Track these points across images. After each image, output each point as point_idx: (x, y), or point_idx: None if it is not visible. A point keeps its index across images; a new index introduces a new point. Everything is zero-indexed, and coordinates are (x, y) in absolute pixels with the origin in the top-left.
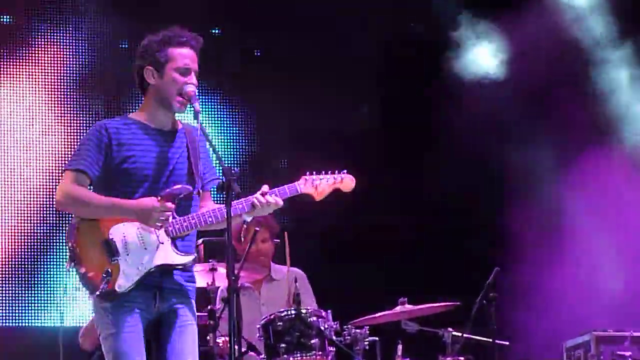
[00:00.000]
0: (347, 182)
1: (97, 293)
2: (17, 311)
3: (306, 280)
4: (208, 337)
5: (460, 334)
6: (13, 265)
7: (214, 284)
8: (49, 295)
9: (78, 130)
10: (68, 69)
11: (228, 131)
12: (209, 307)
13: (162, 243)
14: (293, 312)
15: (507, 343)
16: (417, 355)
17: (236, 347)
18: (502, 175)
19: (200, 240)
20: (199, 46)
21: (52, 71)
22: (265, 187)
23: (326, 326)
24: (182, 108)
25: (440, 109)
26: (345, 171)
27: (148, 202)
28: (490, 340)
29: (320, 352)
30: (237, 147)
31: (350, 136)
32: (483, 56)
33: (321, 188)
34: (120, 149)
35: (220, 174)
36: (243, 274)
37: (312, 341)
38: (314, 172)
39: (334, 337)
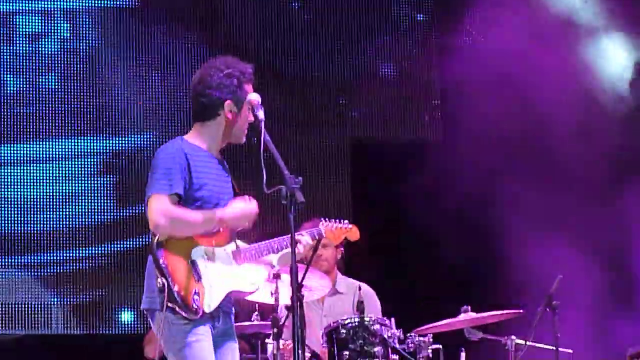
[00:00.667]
0: (354, 232)
1: (192, 311)
2: None
3: (374, 295)
4: (272, 345)
5: (523, 342)
6: None
7: (277, 293)
8: None
9: None
10: None
11: None
12: (272, 314)
13: (233, 268)
14: (356, 320)
15: (570, 351)
16: None
17: (300, 352)
18: None
19: None
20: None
21: None
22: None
23: (389, 334)
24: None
25: None
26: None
27: (242, 210)
28: (553, 347)
29: None
30: None
31: None
32: None
33: (336, 234)
34: (198, 175)
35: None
36: (307, 292)
37: (376, 349)
38: (322, 219)
39: (397, 345)
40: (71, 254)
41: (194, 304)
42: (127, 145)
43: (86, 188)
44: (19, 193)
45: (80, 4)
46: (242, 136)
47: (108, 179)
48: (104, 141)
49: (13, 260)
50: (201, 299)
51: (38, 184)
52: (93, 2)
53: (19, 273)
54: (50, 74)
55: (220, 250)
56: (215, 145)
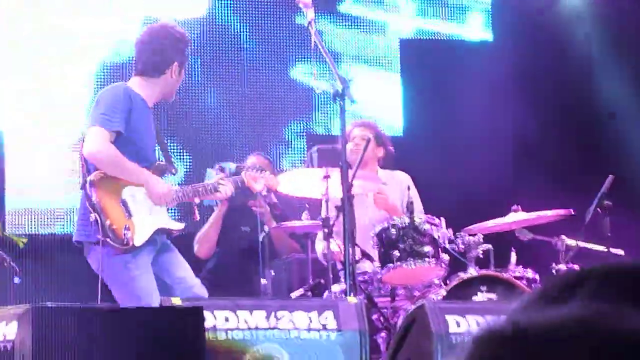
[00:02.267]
0: (273, 180)
1: (124, 244)
2: None
3: (412, 184)
4: (322, 245)
5: (573, 243)
6: None
7: (327, 193)
8: None
9: None
10: None
11: None
12: (322, 214)
13: (161, 208)
14: (406, 220)
15: (622, 252)
16: (530, 263)
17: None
18: None
19: (315, 148)
20: None
21: None
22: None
23: (439, 234)
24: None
25: None
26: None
27: (164, 188)
28: (604, 249)
29: (433, 260)
30: None
31: None
32: None
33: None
34: (135, 121)
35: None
36: (357, 183)
37: (426, 249)
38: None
39: (447, 245)
40: None
41: (125, 238)
42: None
43: None
44: None
45: None
46: (173, 96)
47: None
48: None
49: None
50: (132, 233)
51: None
52: None
53: None
54: None
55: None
56: (153, 98)
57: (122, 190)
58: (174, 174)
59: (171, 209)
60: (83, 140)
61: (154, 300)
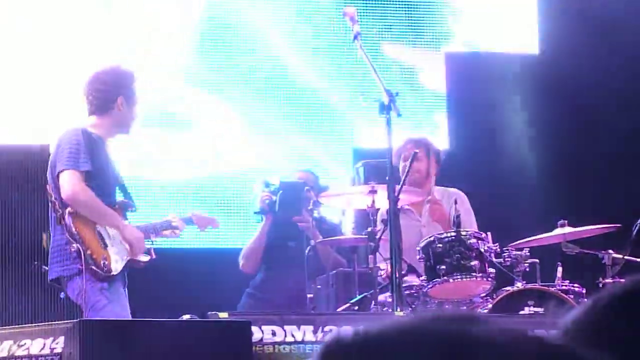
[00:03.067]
0: (215, 223)
1: (104, 272)
2: None
3: (467, 201)
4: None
5: (620, 256)
6: None
7: (373, 206)
8: None
9: None
10: None
11: None
12: (368, 228)
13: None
14: (453, 234)
15: None
16: (577, 277)
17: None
18: None
19: (360, 163)
20: None
21: None
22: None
23: (486, 248)
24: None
25: None
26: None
27: (139, 236)
28: None
29: (480, 274)
30: None
31: None
32: None
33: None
34: (97, 159)
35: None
36: (402, 197)
37: (472, 263)
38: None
39: (494, 259)
40: None
41: (104, 267)
42: None
43: None
44: None
45: None
46: (130, 129)
47: None
48: None
49: None
50: (109, 263)
51: None
52: None
53: None
54: None
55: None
56: (111, 134)
57: (95, 224)
58: (134, 211)
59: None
60: (53, 182)
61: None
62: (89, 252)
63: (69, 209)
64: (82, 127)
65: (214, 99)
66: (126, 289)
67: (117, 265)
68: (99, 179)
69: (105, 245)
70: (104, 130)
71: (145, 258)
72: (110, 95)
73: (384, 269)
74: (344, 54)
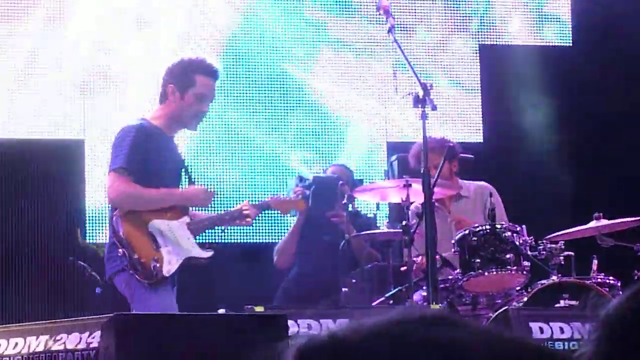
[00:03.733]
0: (300, 204)
1: (153, 277)
2: None
3: (496, 194)
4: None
5: None
6: None
7: (407, 200)
8: None
9: None
10: None
11: None
12: (403, 222)
13: (189, 238)
14: (488, 227)
15: None
16: (612, 270)
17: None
18: None
19: (394, 157)
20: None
21: None
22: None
23: (521, 241)
24: (196, 128)
25: None
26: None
27: (198, 190)
28: None
29: (515, 267)
30: None
31: None
32: None
33: (284, 207)
34: (154, 152)
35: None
36: (436, 190)
37: (507, 256)
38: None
39: (528, 252)
40: None
41: (154, 270)
42: None
43: None
44: None
45: None
46: (188, 123)
47: None
48: None
49: None
50: (160, 265)
51: None
52: None
53: None
54: None
55: (174, 223)
56: (170, 127)
57: (148, 223)
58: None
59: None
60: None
61: None
62: (136, 256)
63: (117, 210)
64: (140, 119)
65: (241, 94)
66: (175, 289)
67: (170, 267)
68: (153, 173)
69: (158, 246)
70: (162, 121)
71: (207, 254)
72: (164, 83)
73: (417, 263)
74: (379, 47)
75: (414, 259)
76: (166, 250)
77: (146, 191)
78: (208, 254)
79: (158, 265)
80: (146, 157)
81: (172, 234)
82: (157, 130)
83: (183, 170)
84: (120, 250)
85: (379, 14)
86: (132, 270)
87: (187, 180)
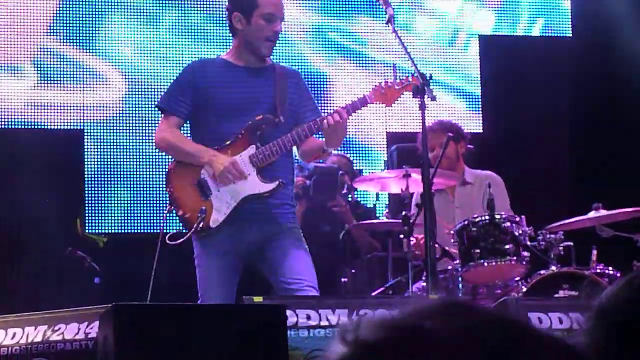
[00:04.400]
0: (412, 84)
1: (194, 229)
2: None
3: (502, 184)
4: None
5: None
6: None
7: (407, 190)
8: None
9: None
10: None
11: None
12: (403, 212)
13: (249, 174)
14: (487, 217)
15: None
16: (611, 261)
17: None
18: None
19: (393, 147)
20: None
21: None
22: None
23: (520, 232)
24: (269, 54)
25: None
26: (412, 74)
27: (221, 161)
28: None
29: (514, 258)
30: None
31: None
32: None
33: (390, 95)
34: (205, 87)
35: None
36: (436, 180)
37: (507, 246)
38: (384, 81)
39: (528, 243)
40: None
41: (200, 223)
42: None
43: None
44: None
45: None
46: (259, 47)
47: None
48: None
49: None
50: (208, 215)
51: None
52: None
53: None
54: None
55: (242, 156)
56: (242, 56)
57: (200, 170)
58: (277, 125)
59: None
60: None
61: (212, 288)
62: (180, 212)
63: (170, 163)
64: (200, 59)
65: None
66: (276, 246)
67: (217, 215)
68: (207, 108)
69: (207, 195)
70: (232, 53)
71: (267, 187)
72: (228, 15)
73: (414, 242)
74: (379, 36)
75: (415, 236)
76: (217, 196)
77: (179, 142)
78: (269, 186)
79: (205, 215)
80: (195, 92)
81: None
82: (221, 64)
83: (263, 104)
84: (169, 207)
85: (378, 4)
86: (184, 226)
87: (270, 115)
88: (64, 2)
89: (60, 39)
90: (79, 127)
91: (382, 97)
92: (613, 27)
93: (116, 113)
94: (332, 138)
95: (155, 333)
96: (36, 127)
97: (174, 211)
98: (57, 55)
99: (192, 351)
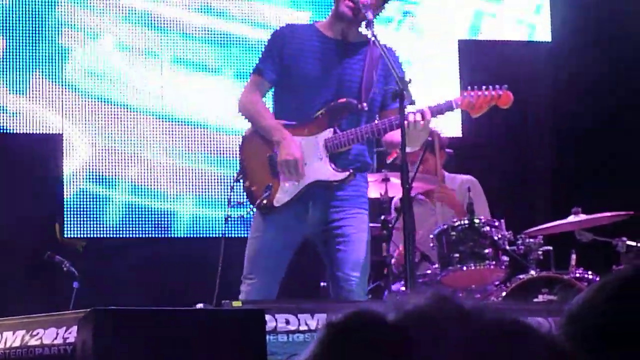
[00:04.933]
0: (504, 98)
1: (256, 205)
2: None
3: (479, 187)
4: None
5: (634, 243)
6: None
7: (387, 194)
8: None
9: None
10: None
11: None
12: (382, 217)
13: (321, 159)
14: (466, 222)
15: None
16: (591, 265)
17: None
18: None
19: (373, 150)
20: None
21: None
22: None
23: (500, 236)
24: (349, 14)
25: None
26: (505, 86)
27: (287, 150)
28: None
29: (493, 262)
30: None
31: None
32: None
33: (478, 104)
34: (290, 55)
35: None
36: (415, 185)
37: (486, 251)
38: (475, 87)
39: (507, 247)
40: None
41: (264, 200)
42: None
43: None
44: None
45: None
46: (339, 7)
47: None
48: None
49: None
50: (273, 193)
51: None
52: None
53: None
54: None
55: (310, 140)
56: (332, 25)
57: (271, 147)
58: (359, 112)
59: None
60: None
61: (260, 260)
62: (247, 184)
63: (246, 130)
64: (288, 24)
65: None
66: (325, 217)
67: (282, 195)
68: (292, 76)
69: (276, 173)
70: (325, 22)
71: (339, 176)
72: None
73: (395, 258)
74: None
75: (393, 253)
76: (285, 175)
77: (256, 113)
78: (339, 175)
79: (270, 192)
80: (280, 59)
81: (302, 154)
82: (310, 33)
83: (347, 85)
84: (236, 176)
85: (351, 5)
86: (247, 198)
87: (355, 101)
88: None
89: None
90: (58, 132)
91: (469, 106)
92: (592, 32)
93: (95, 117)
94: (412, 137)
95: (134, 338)
96: (13, 132)
97: (241, 180)
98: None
99: (171, 356)
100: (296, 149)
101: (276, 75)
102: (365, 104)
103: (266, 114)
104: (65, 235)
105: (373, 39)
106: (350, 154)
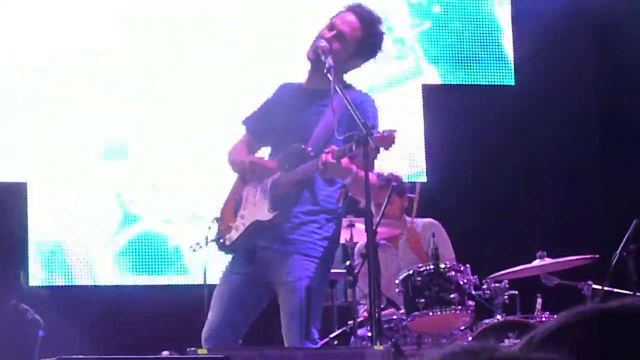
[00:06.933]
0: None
1: (215, 242)
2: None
3: (443, 230)
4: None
5: (600, 287)
6: None
7: (352, 240)
8: None
9: None
10: None
11: None
12: (347, 262)
13: (265, 200)
14: (431, 267)
15: None
16: (556, 309)
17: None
18: None
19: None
20: (363, 14)
21: None
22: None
23: (465, 280)
24: (311, 57)
25: None
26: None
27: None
28: (631, 293)
29: (459, 307)
30: None
31: None
32: None
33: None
34: (276, 107)
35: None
36: (380, 230)
37: (452, 296)
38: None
39: (473, 292)
40: None
41: (226, 240)
42: None
43: None
44: None
45: None
46: (308, 59)
47: None
48: None
49: None
50: (230, 232)
51: None
52: None
53: None
54: None
55: (267, 180)
56: (309, 75)
57: (244, 187)
58: (308, 156)
59: None
60: None
61: (214, 306)
62: (217, 223)
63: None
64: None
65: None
66: (268, 265)
67: (232, 234)
68: (275, 132)
69: (236, 213)
70: (307, 76)
71: (267, 216)
72: None
73: (364, 308)
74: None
75: (362, 302)
76: (240, 215)
77: (233, 154)
78: (269, 215)
79: (229, 232)
80: (270, 116)
81: (252, 196)
82: (295, 87)
83: (308, 131)
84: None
85: (319, 52)
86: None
87: (301, 145)
88: None
89: None
90: (21, 180)
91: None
92: (555, 76)
93: (60, 165)
94: (332, 178)
95: None
96: None
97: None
98: None
99: None
100: (255, 163)
101: (261, 128)
102: (310, 148)
103: (240, 151)
104: (30, 284)
105: (336, 86)
106: (288, 196)
